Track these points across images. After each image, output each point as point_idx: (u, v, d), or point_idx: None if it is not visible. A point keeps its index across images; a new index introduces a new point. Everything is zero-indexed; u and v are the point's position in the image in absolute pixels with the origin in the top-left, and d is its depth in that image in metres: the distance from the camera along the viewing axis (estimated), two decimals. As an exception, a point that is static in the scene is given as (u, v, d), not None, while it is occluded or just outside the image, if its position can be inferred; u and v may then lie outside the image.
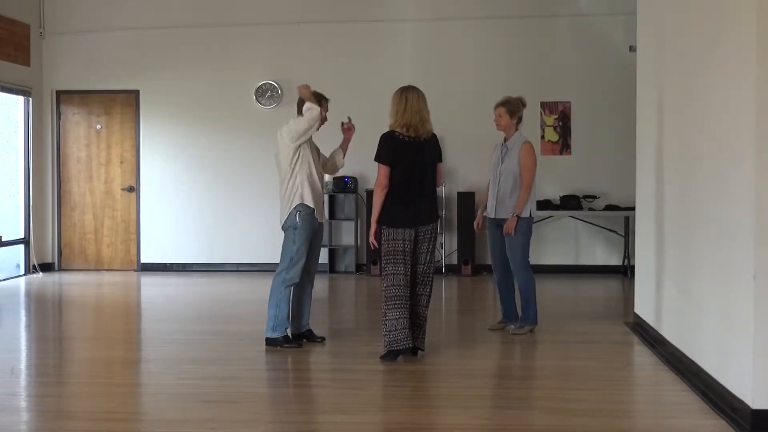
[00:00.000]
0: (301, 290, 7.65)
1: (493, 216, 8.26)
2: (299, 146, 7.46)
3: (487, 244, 8.55)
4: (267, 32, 13.33)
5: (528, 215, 8.07)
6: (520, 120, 8.29)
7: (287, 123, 7.58)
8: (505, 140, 8.26)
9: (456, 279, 12.46)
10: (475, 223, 8.68)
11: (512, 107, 8.20)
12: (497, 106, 8.27)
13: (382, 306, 6.96)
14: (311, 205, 7.48)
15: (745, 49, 5.23)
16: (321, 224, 7.70)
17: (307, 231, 7.49)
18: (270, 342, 7.51)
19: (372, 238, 7.08)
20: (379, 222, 7.03)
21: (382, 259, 7.02)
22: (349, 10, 13.24)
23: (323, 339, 7.81)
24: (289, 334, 7.58)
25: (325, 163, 7.88)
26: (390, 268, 6.96)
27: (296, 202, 7.48)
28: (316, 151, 7.70)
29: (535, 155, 8.14)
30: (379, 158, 7.00)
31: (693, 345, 6.44)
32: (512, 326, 8.27)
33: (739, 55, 5.37)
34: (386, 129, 7.10)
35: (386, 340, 6.96)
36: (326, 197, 12.42)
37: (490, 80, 12.95)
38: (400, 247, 6.94)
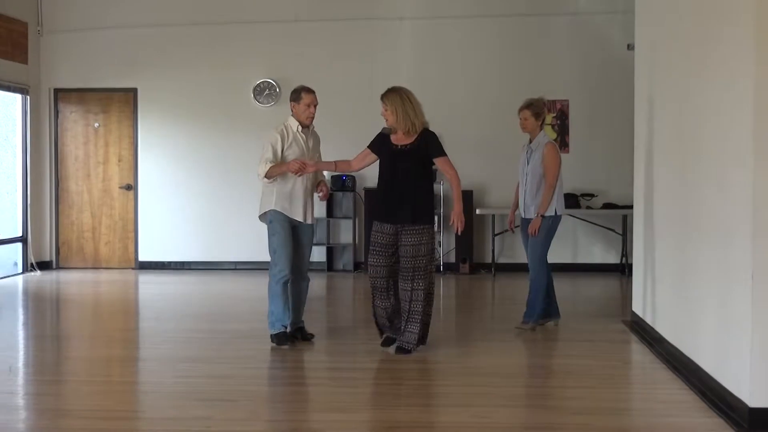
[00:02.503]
0: (292, 287, 7.64)
1: (523, 216, 8.39)
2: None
3: (521, 243, 8.67)
4: (265, 30, 13.32)
5: (553, 213, 8.17)
6: (543, 120, 8.38)
7: (271, 134, 7.55)
8: (530, 141, 8.34)
9: (454, 277, 12.46)
10: (508, 222, 8.79)
11: (537, 109, 8.29)
12: (522, 109, 8.33)
13: (422, 303, 7.12)
14: (281, 210, 7.50)
15: (743, 47, 5.22)
16: (305, 223, 7.61)
17: (280, 221, 7.48)
18: (271, 338, 7.53)
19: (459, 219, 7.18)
20: (428, 217, 7.23)
21: (428, 255, 7.16)
22: (346, 8, 13.23)
23: (312, 336, 7.80)
24: (287, 331, 7.55)
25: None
26: (431, 266, 7.20)
27: (267, 207, 7.54)
28: (307, 147, 7.60)
29: (558, 155, 8.20)
30: (445, 151, 7.26)
31: (690, 343, 6.44)
32: (552, 322, 8.46)
33: (737, 53, 5.37)
34: (382, 126, 7.32)
35: (423, 333, 7.21)
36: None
37: (487, 78, 12.99)
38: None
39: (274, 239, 7.51)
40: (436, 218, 12.38)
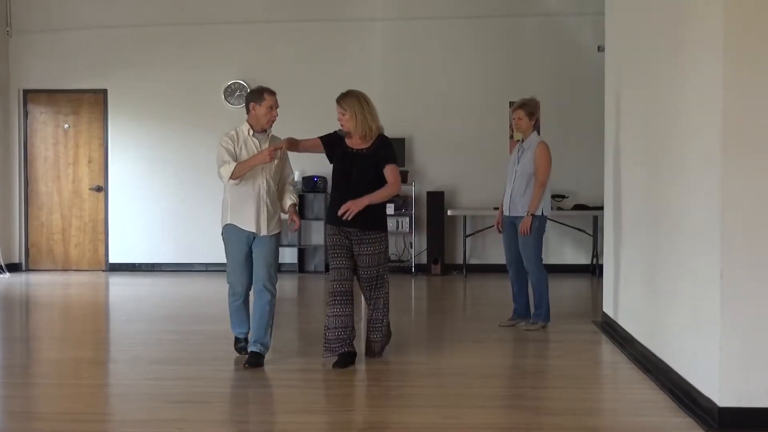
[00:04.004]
0: (255, 298, 7.20)
1: (507, 213, 8.40)
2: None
3: (502, 241, 8.62)
4: (236, 31, 13.30)
5: (540, 213, 8.19)
6: (537, 120, 8.45)
7: (222, 139, 7.27)
8: (522, 140, 8.40)
9: (425, 278, 12.47)
10: (495, 223, 8.76)
11: (531, 109, 8.38)
12: (515, 109, 8.41)
13: (384, 311, 7.10)
14: (234, 223, 7.17)
15: (711, 47, 5.26)
16: (259, 235, 7.12)
17: (232, 237, 7.19)
18: None
19: (353, 207, 6.77)
20: (384, 223, 7.10)
21: (387, 263, 7.10)
22: (318, 9, 13.24)
23: (246, 365, 7.01)
24: (243, 338, 7.37)
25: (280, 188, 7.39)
26: (388, 272, 7.15)
27: (223, 221, 7.28)
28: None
29: (550, 155, 8.25)
30: (397, 160, 7.06)
31: (661, 343, 6.47)
32: (524, 323, 8.45)
33: (705, 53, 5.40)
34: None
35: (387, 341, 7.21)
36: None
37: (459, 80, 13.02)
38: None
39: (227, 258, 7.23)
40: (407, 219, 12.58)
